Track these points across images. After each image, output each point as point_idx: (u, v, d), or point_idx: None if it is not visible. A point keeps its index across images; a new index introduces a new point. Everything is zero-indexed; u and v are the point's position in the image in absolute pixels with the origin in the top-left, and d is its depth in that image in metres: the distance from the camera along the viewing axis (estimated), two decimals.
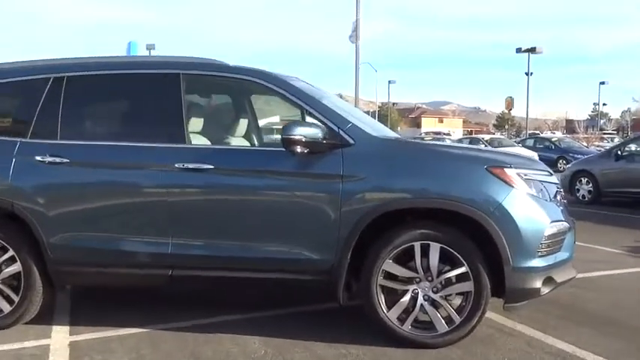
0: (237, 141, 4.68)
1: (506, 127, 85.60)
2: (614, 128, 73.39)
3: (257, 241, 3.93)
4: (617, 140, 34.80)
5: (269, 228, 3.91)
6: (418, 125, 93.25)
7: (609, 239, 7.80)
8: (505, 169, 3.79)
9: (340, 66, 68.51)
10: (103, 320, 4.33)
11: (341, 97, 6.51)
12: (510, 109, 54.20)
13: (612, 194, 11.90)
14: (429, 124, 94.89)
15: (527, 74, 39.21)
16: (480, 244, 3.78)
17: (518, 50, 39.17)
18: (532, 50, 38.72)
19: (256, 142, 4.91)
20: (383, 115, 67.39)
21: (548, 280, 3.84)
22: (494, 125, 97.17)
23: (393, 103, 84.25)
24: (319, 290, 4.04)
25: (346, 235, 3.79)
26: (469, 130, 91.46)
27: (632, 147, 12.21)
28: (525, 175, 3.84)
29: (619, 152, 12.02)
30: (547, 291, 3.85)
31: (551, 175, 4.15)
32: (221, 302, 4.75)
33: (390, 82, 63.90)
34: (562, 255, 3.97)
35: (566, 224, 4.01)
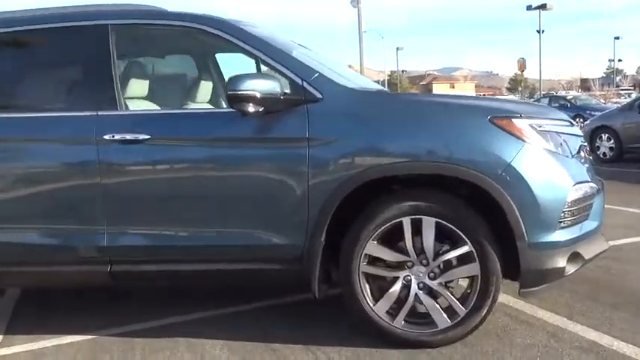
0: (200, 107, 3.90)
1: (520, 89, 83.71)
2: (630, 84, 71.39)
3: (209, 226, 3.18)
4: (634, 95, 33.43)
5: (222, 209, 3.16)
6: (430, 92, 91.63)
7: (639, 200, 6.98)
8: (514, 120, 2.99)
9: (348, 37, 66.96)
10: (46, 327, 3.64)
11: (350, 67, 5.67)
12: (523, 71, 52.60)
13: (636, 150, 10.98)
14: (440, 91, 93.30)
15: (538, 32, 37.97)
16: (486, 216, 3.01)
17: (529, 8, 37.95)
18: (543, 7, 37.52)
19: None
20: (392, 83, 66.16)
21: (574, 257, 3.06)
22: (507, 88, 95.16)
23: (403, 71, 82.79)
24: (291, 282, 3.29)
25: (317, 212, 3.03)
26: (482, 94, 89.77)
27: None
28: (540, 126, 3.03)
29: None
30: (573, 270, 3.08)
31: (573, 125, 3.34)
32: (180, 300, 4.01)
33: (398, 49, 62.54)
34: (590, 224, 3.18)
35: (593, 186, 3.22)
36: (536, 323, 3.36)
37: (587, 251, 3.14)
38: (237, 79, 2.99)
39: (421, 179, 3.16)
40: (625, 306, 3.56)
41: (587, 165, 3.30)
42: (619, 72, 73.84)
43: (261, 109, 3.00)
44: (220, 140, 3.16)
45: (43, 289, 4.15)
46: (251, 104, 2.97)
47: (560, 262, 3.00)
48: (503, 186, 2.89)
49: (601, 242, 3.31)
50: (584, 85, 76.54)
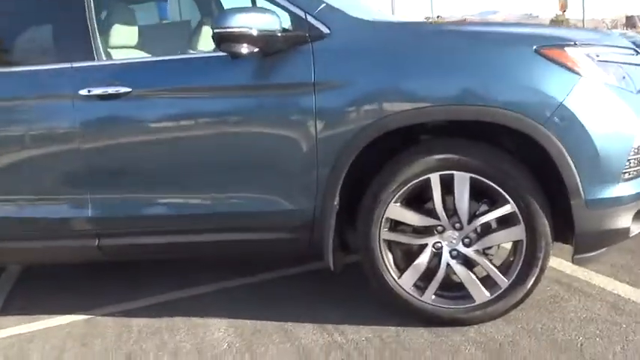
0: None
1: None
2: None
3: (202, 192, 2.73)
4: None
5: (215, 172, 2.70)
6: None
7: None
8: (566, 49, 2.42)
9: None
10: (40, 307, 3.29)
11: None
12: (565, 11, 50.15)
13: None
14: None
15: None
16: (533, 168, 2.49)
17: None
18: None
19: None
20: None
21: None
22: None
23: (438, 16, 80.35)
24: (303, 252, 2.84)
25: (328, 171, 2.55)
26: None
27: None
28: (598, 55, 2.45)
29: None
30: (639, 231, 2.54)
31: (638, 54, 2.74)
32: (178, 274, 3.58)
33: None
34: None
35: None
36: (593, 292, 2.85)
37: None
38: (225, 14, 2.50)
39: (452, 127, 2.65)
40: None
41: None
42: None
43: (256, 50, 2.50)
44: (212, 90, 2.67)
45: (39, 266, 3.80)
46: (244, 44, 2.47)
47: (624, 221, 2.46)
48: (553, 131, 2.35)
49: None
50: (630, 22, 72.92)
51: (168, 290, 3.30)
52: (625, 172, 2.42)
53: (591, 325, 2.53)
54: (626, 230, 2.47)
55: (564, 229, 2.57)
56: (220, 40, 2.47)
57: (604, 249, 2.57)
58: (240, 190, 2.70)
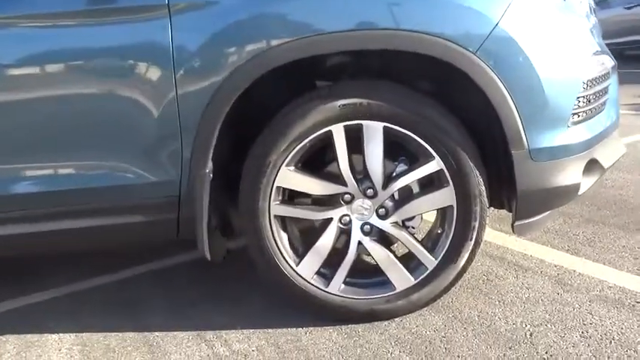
0: None
1: None
2: None
3: (37, 161, 1.96)
4: None
5: (47, 135, 1.93)
6: None
7: None
8: None
9: None
10: None
11: None
12: None
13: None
14: None
15: None
16: (463, 113, 1.94)
17: None
18: None
19: None
20: None
21: (591, 167, 2.03)
22: None
23: None
24: (170, 239, 2.14)
25: (194, 127, 1.87)
26: None
27: None
28: None
29: None
30: (589, 187, 2.06)
31: None
32: (26, 276, 2.80)
33: None
34: (606, 118, 2.14)
35: (609, 60, 2.18)
36: (531, 265, 2.36)
37: (605, 157, 2.11)
38: None
39: (359, 64, 2.06)
40: None
41: (598, 30, 2.25)
42: None
43: None
44: (28, 19, 1.90)
45: None
46: None
47: (574, 175, 1.96)
48: (487, 61, 1.79)
49: (618, 144, 2.29)
50: None
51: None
52: (574, 114, 1.92)
53: (538, 308, 2.02)
54: (577, 187, 1.97)
55: (499, 191, 2.05)
56: None
57: (547, 212, 2.07)
58: (79, 157, 1.95)
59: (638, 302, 2.00)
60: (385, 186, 1.93)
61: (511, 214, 2.03)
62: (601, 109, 2.08)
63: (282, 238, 1.98)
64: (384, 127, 1.87)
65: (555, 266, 2.33)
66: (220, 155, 1.95)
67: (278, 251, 1.97)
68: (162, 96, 1.84)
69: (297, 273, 1.99)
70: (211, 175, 1.91)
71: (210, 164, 1.90)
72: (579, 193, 2.01)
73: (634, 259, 2.32)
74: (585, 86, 1.93)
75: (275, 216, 1.96)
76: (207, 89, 1.83)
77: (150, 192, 1.94)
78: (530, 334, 1.87)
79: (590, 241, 2.55)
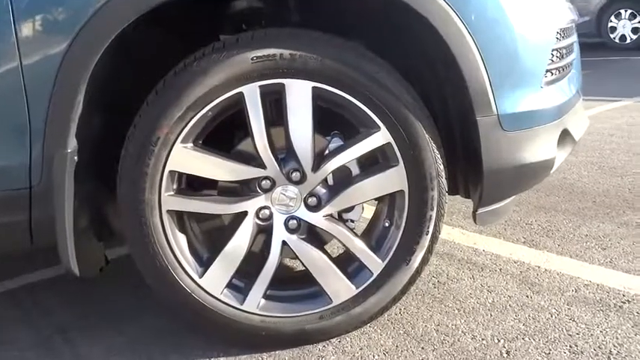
0: None
1: None
2: None
3: None
4: None
5: None
6: None
7: None
8: None
9: None
10: None
11: None
12: None
13: None
14: None
15: None
16: (414, 70, 1.51)
17: None
18: None
19: None
20: None
21: (565, 138, 1.65)
22: None
23: None
24: (24, 247, 1.56)
25: (46, 90, 1.31)
26: None
27: None
28: None
29: None
30: (560, 162, 1.68)
31: None
32: None
33: None
34: (574, 82, 1.77)
35: (575, 15, 1.82)
36: (488, 262, 1.97)
37: (575, 128, 1.74)
38: None
39: (275, 14, 1.59)
40: (606, 216, 2.29)
41: None
42: None
43: None
44: None
45: None
46: None
47: (549, 147, 1.57)
48: (449, 1, 1.36)
49: (583, 114, 1.93)
50: None
51: None
52: (548, 71, 1.53)
53: (508, 317, 1.62)
54: (551, 162, 1.59)
55: (453, 171, 1.64)
56: None
57: (512, 198, 1.67)
58: None
59: (624, 302, 1.64)
60: (316, 167, 1.46)
61: (467, 199, 1.63)
62: (569, 69, 1.71)
63: (180, 242, 1.47)
64: (314, 89, 1.40)
65: (515, 262, 1.95)
66: (90, 130, 1.42)
67: (174, 259, 1.45)
68: None
69: (200, 287, 1.48)
70: (76, 157, 1.36)
71: (74, 142, 1.35)
72: (552, 170, 1.63)
73: (602, 250, 1.99)
74: (559, 36, 1.55)
75: (168, 211, 1.43)
76: (61, 38, 1.29)
77: None
78: (507, 353, 1.45)
79: (546, 230, 2.20)
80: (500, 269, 1.91)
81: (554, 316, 1.60)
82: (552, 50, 1.52)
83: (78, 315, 1.78)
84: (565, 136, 1.64)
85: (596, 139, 3.46)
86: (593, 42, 8.50)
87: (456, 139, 1.57)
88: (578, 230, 2.17)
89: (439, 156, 1.47)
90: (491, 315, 1.63)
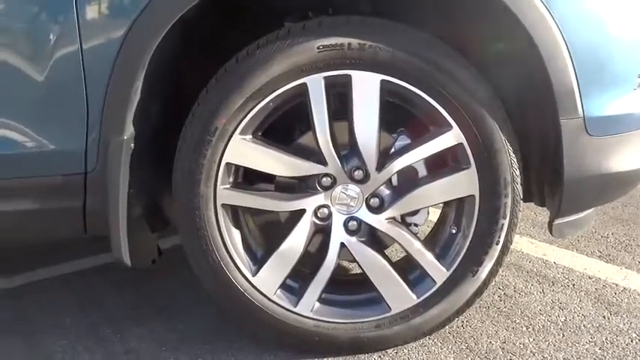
0: None
1: None
2: None
3: None
4: None
5: None
6: None
7: None
8: None
9: None
10: None
11: None
12: None
13: None
14: None
15: None
16: (492, 68, 1.39)
17: None
18: None
19: None
20: None
21: None
22: None
23: None
24: (75, 237, 1.53)
25: (104, 76, 1.27)
26: None
27: None
28: None
29: None
30: None
31: None
32: None
33: None
34: None
35: None
36: (559, 277, 1.83)
37: None
38: None
39: (343, 3, 1.50)
40: None
41: None
42: None
43: None
44: None
45: None
46: None
47: (637, 156, 1.43)
48: None
49: None
50: None
51: None
52: None
53: (582, 338, 1.48)
54: (638, 173, 1.44)
55: (528, 176, 1.51)
56: None
57: (592, 209, 1.53)
58: None
59: None
60: (380, 167, 1.36)
61: (543, 207, 1.50)
62: None
63: (234, 238, 1.40)
64: (382, 82, 1.31)
65: (590, 278, 1.81)
66: (148, 118, 1.37)
67: (227, 256, 1.39)
68: (56, 31, 1.25)
69: (253, 286, 1.41)
70: (132, 145, 1.32)
71: (130, 128, 1.31)
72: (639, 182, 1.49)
73: None
74: None
75: (223, 205, 1.37)
76: (120, 21, 1.25)
77: (41, 166, 1.34)
78: None
79: (624, 245, 2.04)
80: (574, 285, 1.76)
81: (634, 342, 1.45)
82: None
83: (130, 305, 1.75)
84: None
85: None
86: None
87: (534, 142, 1.44)
88: None
89: (515, 160, 1.35)
90: (563, 335, 1.50)
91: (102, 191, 1.34)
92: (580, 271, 1.85)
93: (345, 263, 1.79)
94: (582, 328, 1.53)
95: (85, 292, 1.84)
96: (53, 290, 1.85)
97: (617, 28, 1.31)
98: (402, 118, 1.43)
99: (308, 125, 1.36)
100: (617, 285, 1.75)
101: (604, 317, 1.57)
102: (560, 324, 1.55)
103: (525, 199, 1.58)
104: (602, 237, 2.11)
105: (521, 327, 1.55)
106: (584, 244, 2.05)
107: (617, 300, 1.66)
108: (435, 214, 1.59)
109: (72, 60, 1.27)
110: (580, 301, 1.67)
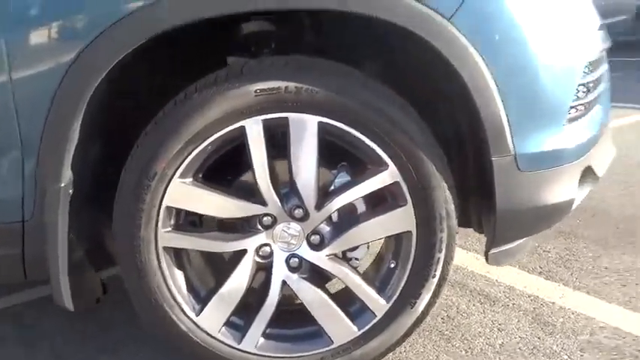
0: None
1: None
2: None
3: None
4: None
5: None
6: None
7: None
8: None
9: None
10: None
11: None
12: None
13: None
14: None
15: None
16: (428, 106, 1.42)
17: None
18: None
19: None
20: None
21: (586, 175, 1.56)
22: None
23: None
24: (16, 281, 1.52)
25: (40, 124, 1.26)
26: None
27: None
28: None
29: None
30: (580, 201, 1.59)
31: None
32: None
33: None
34: (601, 114, 1.67)
35: (604, 40, 1.71)
36: (500, 295, 1.89)
37: (599, 163, 1.64)
38: None
39: (286, 36, 1.52)
40: (628, 246, 2.19)
41: None
42: None
43: None
44: None
45: None
46: None
47: (569, 188, 1.48)
48: (465, 32, 1.27)
49: (609, 146, 1.82)
50: None
51: None
52: (572, 107, 1.43)
53: None
54: (570, 203, 1.50)
55: (466, 205, 1.56)
56: None
57: (529, 237, 1.59)
58: None
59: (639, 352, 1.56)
60: (320, 205, 1.39)
61: (481, 234, 1.56)
62: (596, 102, 1.61)
63: (176, 279, 1.41)
64: (319, 124, 1.33)
65: (529, 296, 1.87)
66: (86, 158, 1.37)
67: (170, 297, 1.40)
68: None
69: (197, 326, 1.43)
70: (70, 190, 1.31)
71: (68, 174, 1.30)
72: (570, 211, 1.54)
73: (622, 287, 1.90)
74: (587, 70, 1.45)
75: (165, 248, 1.38)
76: (53, 70, 1.23)
77: None
78: None
79: (564, 260, 2.11)
80: (513, 304, 1.83)
81: None
82: (578, 86, 1.43)
83: (80, 336, 1.74)
84: (587, 173, 1.55)
85: (623, 154, 3.33)
86: (628, 40, 8.19)
87: (471, 176, 1.49)
88: (597, 261, 2.08)
89: (451, 197, 1.39)
90: (499, 359, 1.56)
91: (40, 239, 1.33)
92: (520, 289, 1.91)
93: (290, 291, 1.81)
94: (517, 350, 1.59)
95: (36, 324, 1.83)
96: (1, 323, 1.84)
97: (547, 65, 1.35)
98: (343, 151, 1.46)
99: (248, 165, 1.37)
100: (553, 304, 1.82)
101: (539, 338, 1.64)
102: (497, 347, 1.61)
103: (466, 226, 1.64)
104: (544, 251, 2.19)
105: (461, 351, 1.60)
106: (527, 260, 2.12)
107: (552, 320, 1.73)
108: (375, 247, 1.62)
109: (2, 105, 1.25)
110: (518, 321, 1.73)
